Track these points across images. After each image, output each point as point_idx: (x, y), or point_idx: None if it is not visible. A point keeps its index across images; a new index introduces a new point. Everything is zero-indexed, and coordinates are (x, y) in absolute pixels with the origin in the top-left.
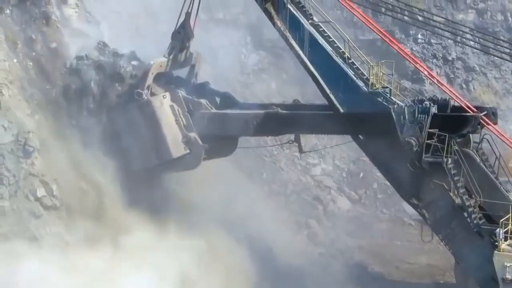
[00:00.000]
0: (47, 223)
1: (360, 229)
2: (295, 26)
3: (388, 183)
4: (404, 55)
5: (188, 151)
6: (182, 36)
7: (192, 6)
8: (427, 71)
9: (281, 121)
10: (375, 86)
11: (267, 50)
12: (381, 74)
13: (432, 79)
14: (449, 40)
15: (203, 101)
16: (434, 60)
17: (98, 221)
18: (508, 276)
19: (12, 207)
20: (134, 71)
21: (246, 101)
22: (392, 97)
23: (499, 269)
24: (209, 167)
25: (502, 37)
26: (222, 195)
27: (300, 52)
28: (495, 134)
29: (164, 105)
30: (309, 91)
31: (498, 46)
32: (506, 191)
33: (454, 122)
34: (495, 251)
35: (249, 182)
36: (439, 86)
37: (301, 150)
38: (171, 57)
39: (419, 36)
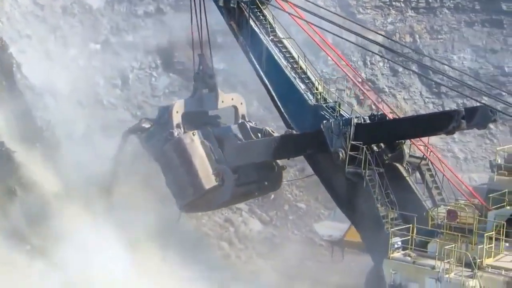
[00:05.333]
0: None
1: (272, 250)
2: (254, 41)
3: (298, 205)
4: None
5: (220, 182)
6: (201, 76)
7: (202, 47)
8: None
9: (296, 142)
10: (325, 100)
11: (177, 72)
12: (322, 87)
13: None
14: (358, 62)
15: (232, 134)
16: (344, 82)
17: None
18: (392, 283)
19: None
20: None
21: None
22: (342, 112)
23: (387, 275)
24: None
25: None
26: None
27: (257, 66)
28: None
29: (194, 141)
30: (221, 113)
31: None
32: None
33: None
34: (385, 259)
35: (162, 205)
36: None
37: None
38: (195, 97)
39: (329, 58)
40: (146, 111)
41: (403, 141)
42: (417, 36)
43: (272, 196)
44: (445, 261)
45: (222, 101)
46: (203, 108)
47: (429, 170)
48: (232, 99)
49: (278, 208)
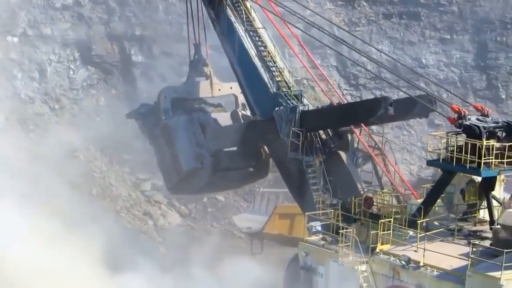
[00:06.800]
0: None
1: (191, 243)
2: (229, 30)
3: (218, 197)
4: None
5: (199, 165)
6: (195, 64)
7: (199, 37)
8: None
9: (257, 129)
10: (287, 89)
11: (95, 65)
12: (283, 76)
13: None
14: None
15: (212, 121)
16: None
17: None
18: (303, 265)
19: None
20: None
21: (74, 117)
22: (306, 101)
23: (300, 257)
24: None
25: (328, 51)
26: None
27: (231, 54)
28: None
29: (180, 126)
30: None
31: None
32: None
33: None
34: (300, 242)
35: (80, 197)
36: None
37: None
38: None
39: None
40: (64, 104)
41: (348, 130)
42: (335, 28)
43: None
44: (340, 245)
45: (219, 89)
46: (194, 95)
47: (383, 160)
48: (231, 87)
49: (197, 200)
